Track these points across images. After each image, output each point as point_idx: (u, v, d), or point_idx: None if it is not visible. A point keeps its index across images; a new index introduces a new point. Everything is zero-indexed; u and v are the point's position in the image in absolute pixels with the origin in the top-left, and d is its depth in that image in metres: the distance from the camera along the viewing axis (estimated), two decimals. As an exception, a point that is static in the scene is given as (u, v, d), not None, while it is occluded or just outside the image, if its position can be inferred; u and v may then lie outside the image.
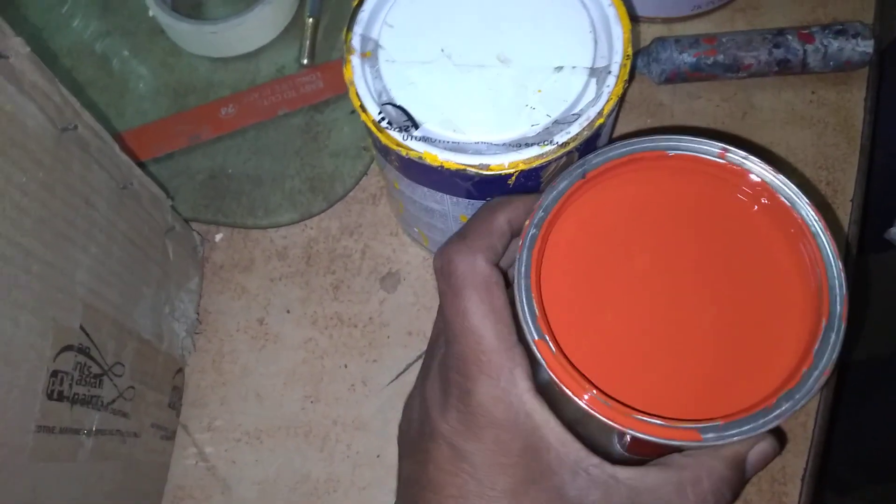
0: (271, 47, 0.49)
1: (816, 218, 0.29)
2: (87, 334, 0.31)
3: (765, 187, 0.30)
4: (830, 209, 0.44)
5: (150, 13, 0.49)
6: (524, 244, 0.28)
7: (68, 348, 0.30)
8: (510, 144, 0.31)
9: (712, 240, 0.30)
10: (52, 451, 0.30)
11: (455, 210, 0.35)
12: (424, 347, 0.42)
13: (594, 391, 0.26)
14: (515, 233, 0.29)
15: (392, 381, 0.42)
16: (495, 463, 0.25)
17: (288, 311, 0.44)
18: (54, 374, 0.29)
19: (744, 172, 0.30)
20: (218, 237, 0.46)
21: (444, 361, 0.27)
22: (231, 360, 0.43)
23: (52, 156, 0.29)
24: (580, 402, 0.26)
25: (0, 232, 0.26)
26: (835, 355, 0.26)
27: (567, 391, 0.26)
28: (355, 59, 0.33)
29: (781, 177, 0.29)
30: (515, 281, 0.28)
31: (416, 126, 0.32)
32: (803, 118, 0.46)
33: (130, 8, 0.51)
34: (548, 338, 0.27)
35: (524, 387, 0.26)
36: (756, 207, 0.30)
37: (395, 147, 0.31)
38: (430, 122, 0.32)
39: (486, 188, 0.32)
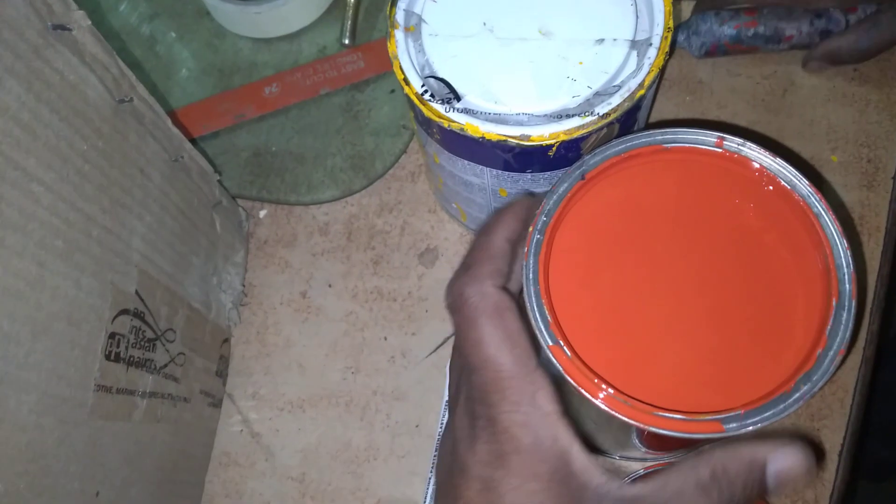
0: (313, 28, 0.50)
1: (818, 198, 0.29)
2: (142, 299, 0.33)
3: (764, 172, 0.30)
4: (872, 188, 0.43)
5: (196, -5, 0.50)
6: (530, 251, 0.29)
7: (125, 312, 0.31)
8: (551, 116, 0.32)
9: (716, 230, 0.30)
10: (110, 409, 0.31)
11: (494, 184, 0.36)
12: (463, 321, 0.42)
13: (611, 391, 0.27)
14: (516, 248, 0.29)
15: (430, 354, 0.42)
16: (524, 489, 0.25)
17: (329, 285, 0.45)
18: (112, 335, 0.31)
19: (742, 160, 0.30)
20: (262, 213, 0.47)
21: (468, 395, 0.27)
22: (275, 332, 0.44)
23: (110, 126, 0.31)
24: (598, 403, 0.27)
25: (64, 196, 0.27)
26: (848, 333, 0.26)
27: (585, 393, 0.26)
28: (399, 34, 0.34)
29: (780, 160, 0.29)
30: (525, 288, 0.28)
31: (459, 98, 0.32)
32: (845, 95, 0.45)
33: (177, -9, 0.52)
34: (562, 342, 0.27)
35: (549, 410, 0.25)
36: (757, 194, 0.30)
37: (437, 119, 0.32)
38: (471, 95, 0.32)
39: (526, 160, 0.33)
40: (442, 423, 0.40)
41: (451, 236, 0.45)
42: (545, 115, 0.32)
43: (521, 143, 0.31)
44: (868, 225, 0.43)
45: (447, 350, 0.42)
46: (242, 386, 0.43)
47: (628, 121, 0.33)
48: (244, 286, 0.45)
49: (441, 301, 0.43)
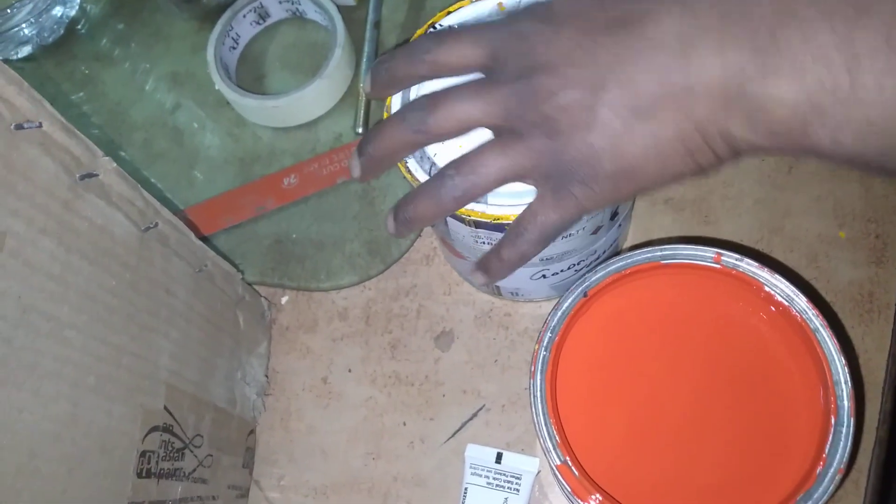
0: (329, 116, 0.52)
1: (815, 314, 0.29)
2: (170, 413, 0.35)
3: (761, 288, 0.31)
4: (881, 264, 0.44)
5: (217, 87, 0.52)
6: (537, 369, 0.30)
7: (154, 429, 0.33)
8: None
9: (716, 344, 0.31)
10: (142, 522, 0.33)
11: None
12: (478, 406, 0.44)
13: None
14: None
15: (449, 439, 0.44)
16: None
17: (349, 370, 0.46)
18: (143, 454, 0.32)
19: (740, 275, 0.31)
20: (284, 299, 0.49)
21: None
22: (298, 419, 0.46)
23: (136, 256, 0.33)
24: None
25: (94, 334, 0.29)
26: (847, 452, 0.27)
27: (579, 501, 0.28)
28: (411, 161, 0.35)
29: (777, 276, 0.30)
30: (532, 405, 0.30)
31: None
32: (850, 170, 0.46)
33: (198, 81, 0.55)
34: (569, 460, 0.29)
35: None
36: (755, 308, 0.31)
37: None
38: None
39: None
40: (461, 512, 0.41)
41: (465, 318, 0.46)
42: None
43: None
44: (878, 302, 0.43)
45: (465, 435, 0.44)
46: (268, 473, 0.45)
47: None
48: (268, 375, 0.46)
49: (457, 386, 0.45)
